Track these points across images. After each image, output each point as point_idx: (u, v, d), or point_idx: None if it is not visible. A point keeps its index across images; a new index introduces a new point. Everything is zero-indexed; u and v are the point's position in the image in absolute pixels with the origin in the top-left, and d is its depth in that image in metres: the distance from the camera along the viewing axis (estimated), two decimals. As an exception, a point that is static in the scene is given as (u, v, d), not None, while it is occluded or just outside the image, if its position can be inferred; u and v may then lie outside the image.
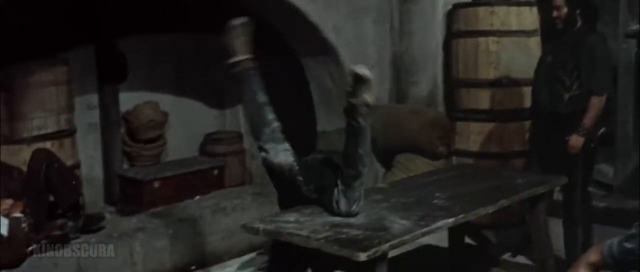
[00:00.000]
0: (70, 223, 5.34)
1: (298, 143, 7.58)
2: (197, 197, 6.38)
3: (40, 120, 6.02)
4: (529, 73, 5.70)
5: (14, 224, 4.94)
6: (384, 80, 7.23)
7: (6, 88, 5.93)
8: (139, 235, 5.47)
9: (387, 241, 3.58)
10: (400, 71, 7.30)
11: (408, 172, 6.47)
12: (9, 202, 5.13)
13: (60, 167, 5.40)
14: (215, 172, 7.26)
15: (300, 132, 7.66)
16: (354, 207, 4.00)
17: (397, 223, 3.85)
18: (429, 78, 7.20)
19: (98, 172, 7.08)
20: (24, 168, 5.46)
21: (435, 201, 4.32)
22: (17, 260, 4.82)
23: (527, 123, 5.92)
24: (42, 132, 6.03)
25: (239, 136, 7.92)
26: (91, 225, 5.46)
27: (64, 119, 6.21)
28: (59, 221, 5.36)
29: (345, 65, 6.81)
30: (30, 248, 4.92)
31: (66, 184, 5.37)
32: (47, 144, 5.99)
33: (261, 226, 3.95)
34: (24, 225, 4.95)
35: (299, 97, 7.50)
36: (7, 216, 5.02)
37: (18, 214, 5.00)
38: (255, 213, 6.04)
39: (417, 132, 6.73)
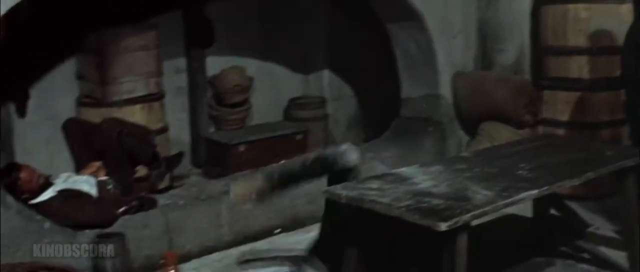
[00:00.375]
0: (154, 172, 5.51)
1: (382, 110, 7.61)
2: (282, 161, 6.45)
3: (130, 84, 6.19)
4: (620, 41, 5.54)
5: (101, 186, 5.12)
6: (470, 47, 7.15)
7: (98, 53, 6.10)
8: (225, 198, 5.58)
9: (469, 211, 3.57)
10: (487, 38, 7.20)
11: (492, 141, 6.41)
12: (96, 164, 5.32)
13: (129, 129, 5.56)
14: (299, 137, 7.33)
15: (384, 99, 7.67)
16: None
17: (480, 193, 3.84)
18: (515, 45, 7.08)
19: (185, 135, 7.25)
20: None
21: (520, 172, 4.26)
22: (107, 220, 5.00)
23: (618, 93, 5.77)
24: (132, 95, 6.20)
25: (322, 101, 7.97)
26: (174, 164, 5.68)
27: (152, 82, 6.36)
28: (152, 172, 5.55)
29: (430, 31, 6.76)
30: (120, 209, 5.09)
31: (140, 142, 5.52)
32: (137, 108, 6.17)
33: (343, 193, 3.99)
34: (109, 187, 5.12)
35: (383, 64, 7.48)
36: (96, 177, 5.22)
37: (103, 177, 5.18)
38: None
39: (503, 99, 6.65)
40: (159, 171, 5.57)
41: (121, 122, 5.65)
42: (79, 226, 4.93)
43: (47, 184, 5.06)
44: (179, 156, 5.81)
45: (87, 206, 4.96)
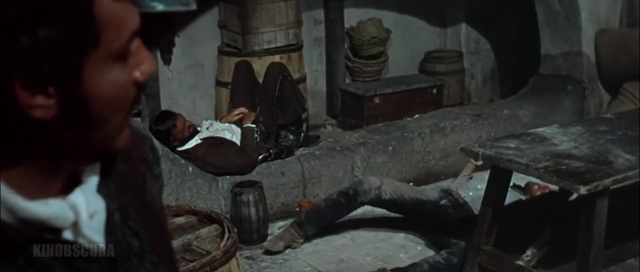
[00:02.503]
0: (291, 137, 5.63)
1: (520, 66, 7.47)
2: (416, 115, 6.47)
3: (270, 34, 6.33)
4: None
5: (247, 133, 5.28)
6: (616, 2, 6.88)
7: (240, 3, 6.25)
8: (360, 150, 5.66)
9: (610, 175, 3.51)
10: (635, -8, 6.91)
11: (636, 102, 6.19)
12: (243, 110, 5.49)
13: (292, 81, 5.68)
14: (434, 91, 7.31)
15: (522, 55, 7.52)
16: None
17: (622, 158, 3.75)
18: (666, 1, 6.77)
19: (322, 85, 7.36)
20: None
21: (666, 136, 4.13)
22: (248, 166, 5.17)
23: None
24: (272, 46, 6.34)
25: (459, 55, 7.89)
26: (308, 143, 5.71)
27: (292, 33, 6.48)
28: (282, 132, 5.66)
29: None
30: (260, 156, 5.26)
31: (294, 99, 5.64)
32: (276, 58, 6.31)
33: (480, 151, 3.99)
34: (256, 136, 5.28)
35: (522, 19, 7.32)
36: (240, 124, 5.38)
37: (251, 125, 5.33)
38: (474, 135, 6.05)
39: (649, 59, 6.40)
40: (295, 138, 5.67)
41: (286, 69, 5.81)
42: (222, 173, 5.13)
43: (195, 132, 5.28)
44: (315, 139, 5.83)
45: (229, 154, 5.14)
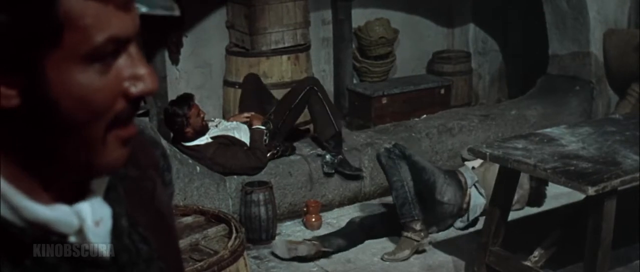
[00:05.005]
0: (328, 156, 5.43)
1: (528, 67, 7.46)
2: (424, 115, 6.46)
3: (278, 34, 6.34)
4: None
5: (256, 135, 5.27)
6: (625, 2, 6.87)
7: (247, 3, 6.26)
8: (368, 150, 5.66)
9: (618, 176, 3.51)
10: (644, -8, 6.90)
11: (644, 103, 6.18)
12: (251, 113, 5.48)
13: (322, 97, 5.45)
14: (442, 91, 7.31)
15: (530, 56, 7.52)
16: None
17: (630, 158, 3.75)
18: (675, 2, 6.76)
19: (329, 86, 7.35)
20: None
21: (674, 137, 4.12)
22: (257, 168, 5.18)
23: None
24: (280, 46, 6.35)
25: (466, 56, 7.88)
26: (343, 167, 5.44)
27: (299, 33, 6.49)
28: (320, 152, 5.50)
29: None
30: (269, 153, 5.26)
31: (325, 117, 5.41)
32: (284, 58, 6.32)
33: (488, 151, 3.99)
34: (265, 137, 5.28)
35: (530, 19, 7.32)
36: (250, 125, 5.38)
37: (260, 126, 5.32)
38: (482, 135, 6.04)
39: (657, 59, 6.38)
40: (332, 160, 5.39)
41: (317, 84, 5.60)
42: (230, 172, 5.13)
43: (206, 127, 5.26)
44: (357, 172, 5.53)
45: (239, 155, 5.14)
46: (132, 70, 0.86)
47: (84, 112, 0.83)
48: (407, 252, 4.72)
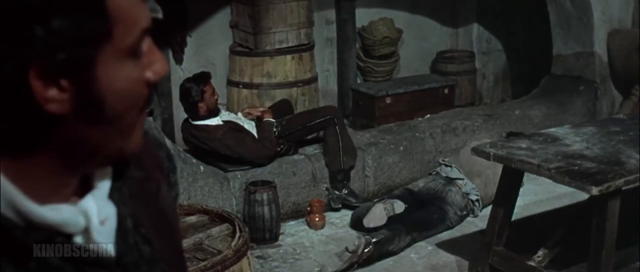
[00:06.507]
0: (336, 193, 5.43)
1: (532, 67, 7.46)
2: (428, 115, 6.46)
3: (281, 34, 6.34)
4: None
5: (265, 126, 5.29)
6: (629, 3, 6.86)
7: (252, 3, 6.26)
8: (372, 149, 5.66)
9: (622, 176, 3.50)
10: (648, -8, 6.89)
11: (648, 103, 6.18)
12: (261, 108, 5.52)
13: (339, 132, 5.40)
14: (446, 91, 7.31)
15: (534, 56, 7.51)
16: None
17: (634, 158, 3.74)
18: (678, 2, 6.74)
19: (333, 85, 7.36)
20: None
21: (678, 137, 4.11)
22: (265, 157, 5.23)
23: None
24: (284, 45, 6.36)
25: (470, 55, 7.88)
26: (352, 199, 5.42)
27: (303, 33, 6.49)
28: (325, 186, 5.47)
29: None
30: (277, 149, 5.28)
31: (336, 152, 5.38)
32: (288, 58, 6.32)
33: (492, 151, 3.98)
34: (275, 130, 5.30)
35: (534, 19, 7.31)
36: (258, 119, 5.40)
37: (271, 119, 5.35)
38: (486, 135, 6.04)
39: (661, 59, 6.37)
40: (339, 194, 5.40)
41: (336, 113, 5.57)
42: (238, 158, 5.13)
43: (218, 109, 5.28)
44: (363, 203, 5.34)
45: (247, 141, 5.16)
46: (149, 57, 0.88)
47: (125, 104, 0.86)
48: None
